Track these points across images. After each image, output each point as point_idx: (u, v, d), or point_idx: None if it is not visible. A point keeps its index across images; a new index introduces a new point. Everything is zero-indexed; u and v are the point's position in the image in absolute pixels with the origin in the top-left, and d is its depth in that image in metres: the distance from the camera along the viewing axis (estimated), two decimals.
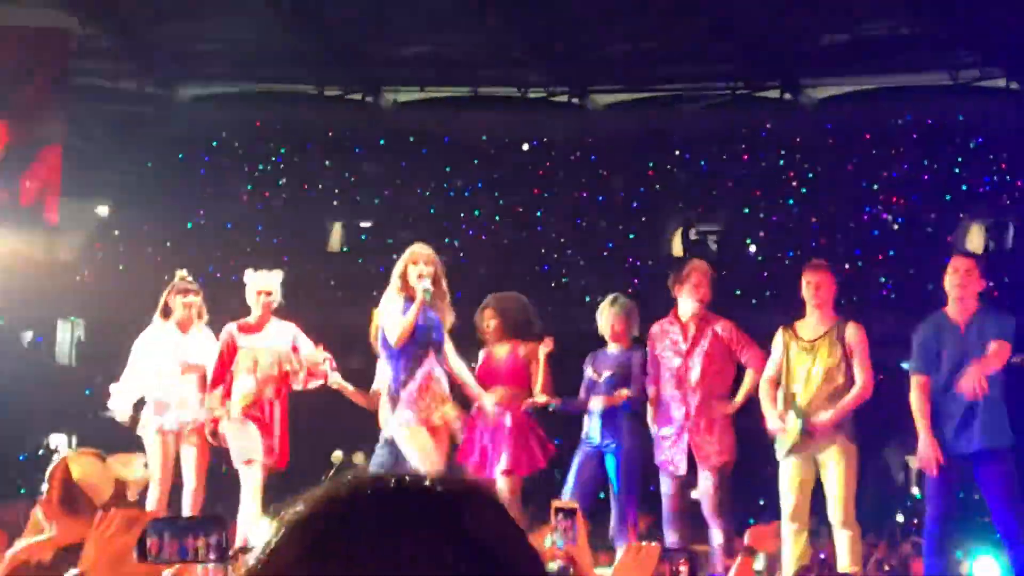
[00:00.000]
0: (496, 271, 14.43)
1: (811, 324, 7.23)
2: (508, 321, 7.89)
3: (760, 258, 15.75)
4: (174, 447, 8.03)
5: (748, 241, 15.86)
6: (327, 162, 16.19)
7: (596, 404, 7.76)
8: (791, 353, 7.23)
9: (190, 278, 8.36)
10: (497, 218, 16.03)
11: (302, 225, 15.92)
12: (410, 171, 16.14)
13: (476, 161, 16.14)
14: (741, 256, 15.75)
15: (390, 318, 7.21)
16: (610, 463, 7.75)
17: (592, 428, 7.79)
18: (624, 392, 7.54)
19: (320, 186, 16.22)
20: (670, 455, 7.58)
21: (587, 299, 10.73)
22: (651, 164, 16.31)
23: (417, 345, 7.27)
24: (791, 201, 16.06)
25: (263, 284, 7.88)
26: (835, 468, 7.08)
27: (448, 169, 16.06)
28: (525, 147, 16.00)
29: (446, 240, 14.18)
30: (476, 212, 16.00)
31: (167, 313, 8.21)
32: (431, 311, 7.19)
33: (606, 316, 7.84)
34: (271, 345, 7.98)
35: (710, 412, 7.49)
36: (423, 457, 7.02)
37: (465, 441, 7.64)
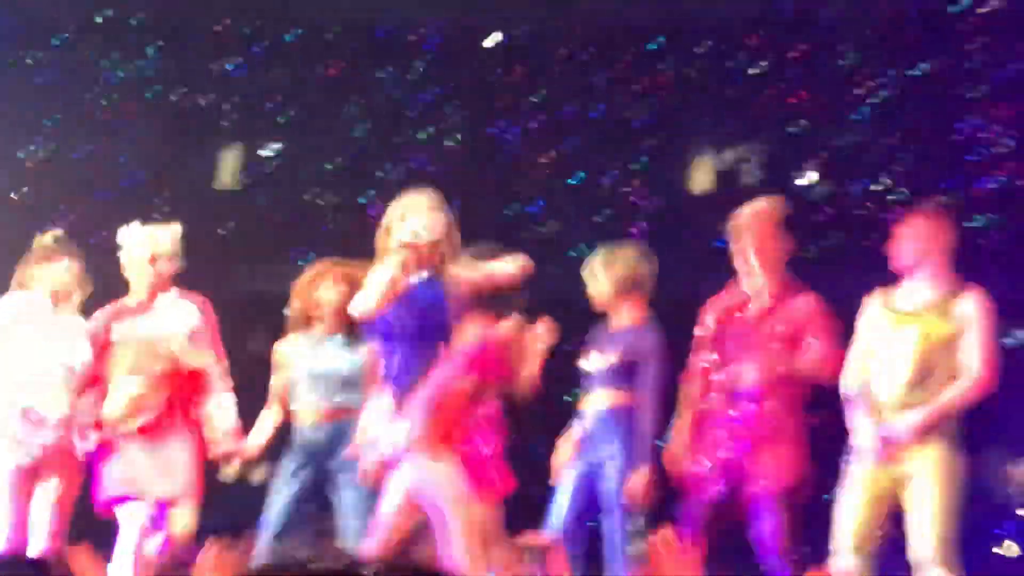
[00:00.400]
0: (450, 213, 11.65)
1: (912, 290, 6.54)
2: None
3: (819, 194, 12.81)
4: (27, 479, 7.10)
5: (801, 170, 12.89)
6: (215, 65, 12.88)
7: (590, 403, 7.16)
8: (880, 328, 6.53)
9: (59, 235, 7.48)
10: (450, 140, 13.00)
11: (180, 153, 12.73)
12: (331, 78, 13.03)
13: (422, 63, 12.98)
14: (791, 192, 12.21)
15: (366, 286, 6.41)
16: (608, 486, 7.06)
17: (587, 435, 7.16)
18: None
19: (204, 101, 12.90)
20: (708, 472, 6.82)
21: (571, 253, 9.28)
22: (663, 64, 13.04)
23: (431, 328, 6.41)
24: (862, 113, 12.82)
25: (150, 245, 7.22)
26: (924, 485, 6.34)
27: (383, 75, 12.92)
28: (488, 42, 12.96)
29: (379, 173, 12.06)
30: (420, 135, 12.85)
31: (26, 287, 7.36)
32: (441, 284, 6.37)
33: (602, 276, 7.15)
34: (163, 332, 7.23)
35: (774, 418, 6.75)
36: (449, 492, 6.10)
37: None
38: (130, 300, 7.29)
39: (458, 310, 6.50)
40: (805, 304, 6.85)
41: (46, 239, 7.67)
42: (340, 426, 7.33)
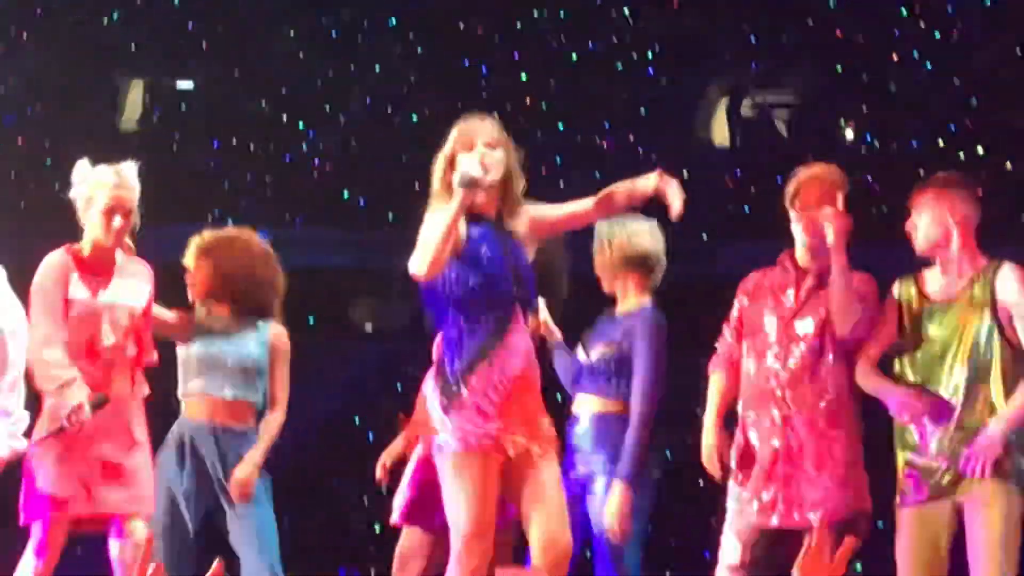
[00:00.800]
0: (419, 175, 10.54)
1: (940, 278, 6.10)
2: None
3: (862, 150, 12.09)
4: None
5: (842, 123, 12.18)
6: None
7: (580, 405, 6.55)
8: (909, 319, 6.11)
9: None
10: (414, 78, 12.11)
11: (76, 84, 11.72)
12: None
13: None
14: (830, 146, 11.91)
15: (422, 236, 5.60)
16: (594, 506, 6.42)
17: (577, 444, 6.51)
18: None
19: (106, 20, 11.77)
20: (750, 494, 6.19)
21: None
22: None
23: (491, 296, 5.59)
24: (915, 56, 11.91)
25: (114, 188, 6.19)
26: (984, 521, 5.92)
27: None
28: None
29: (331, 118, 11.39)
30: (377, 68, 11.98)
31: None
32: (510, 232, 5.62)
33: (606, 256, 6.63)
34: (126, 301, 6.28)
35: (828, 431, 6.15)
36: (467, 509, 5.44)
37: (413, 475, 6.41)
38: (86, 251, 6.44)
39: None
40: (860, 285, 6.44)
41: None
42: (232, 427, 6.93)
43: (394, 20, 11.85)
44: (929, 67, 11.83)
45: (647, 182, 5.82)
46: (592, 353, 6.76)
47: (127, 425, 6.43)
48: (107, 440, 6.39)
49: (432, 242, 5.63)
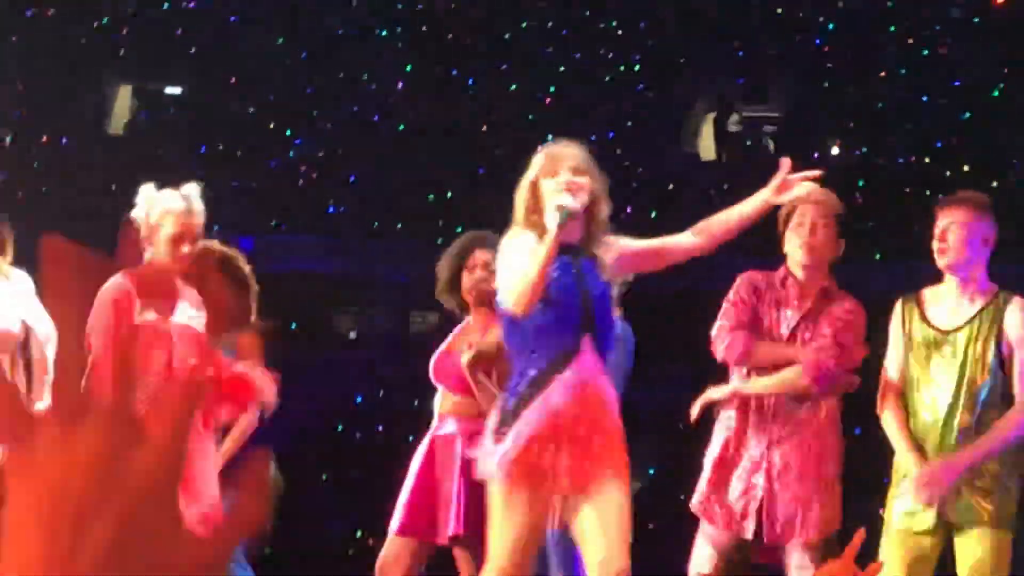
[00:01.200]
0: (404, 183, 11.40)
1: (947, 301, 6.00)
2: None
3: (853, 170, 11.52)
4: None
5: (829, 141, 11.89)
6: None
7: None
8: (912, 347, 6.02)
9: None
10: (401, 87, 11.98)
11: (63, 89, 11.45)
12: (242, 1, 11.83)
13: None
14: (821, 162, 11.34)
15: (510, 266, 5.41)
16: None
17: None
18: None
19: (94, 26, 11.56)
20: (737, 507, 6.19)
21: None
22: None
23: (558, 324, 5.44)
24: (901, 72, 11.58)
25: (183, 215, 5.96)
26: (975, 555, 5.89)
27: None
28: None
29: (322, 121, 11.27)
30: (364, 76, 11.80)
31: None
32: (587, 259, 5.45)
33: None
34: (192, 322, 6.16)
35: (813, 447, 6.19)
36: (506, 543, 5.36)
37: (413, 484, 6.38)
38: (149, 276, 6.38)
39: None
40: (843, 309, 6.35)
41: None
42: None
43: (382, 30, 11.79)
44: (915, 83, 11.70)
45: (762, 195, 5.69)
46: None
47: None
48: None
49: (528, 277, 5.46)
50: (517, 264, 5.49)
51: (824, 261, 6.27)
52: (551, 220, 5.42)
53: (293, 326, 10.28)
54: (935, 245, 6.04)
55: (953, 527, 6.07)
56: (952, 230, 6.03)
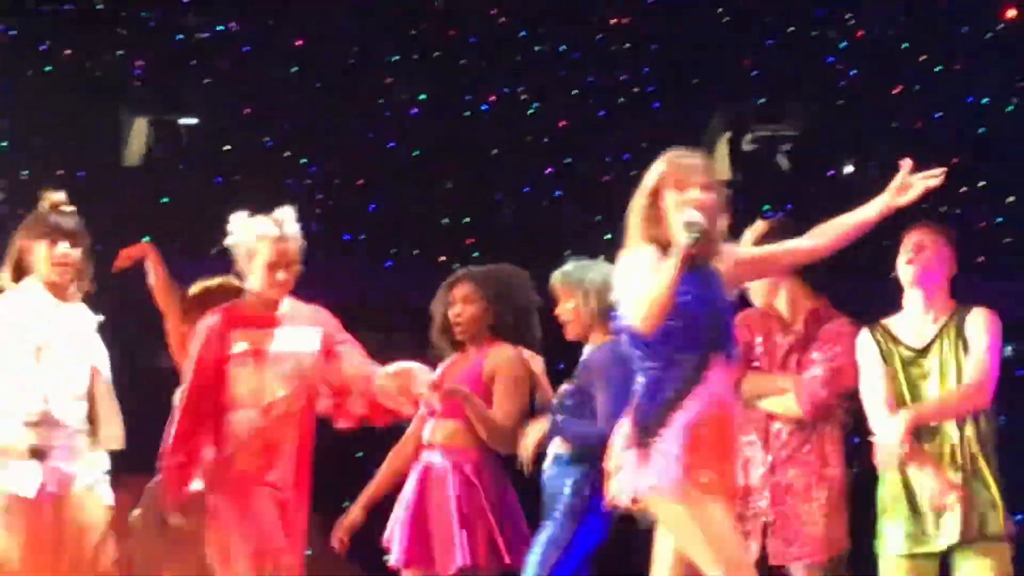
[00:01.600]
0: (421, 209, 11.52)
1: (913, 322, 6.12)
2: (492, 310, 6.73)
3: (869, 188, 11.24)
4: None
5: (841, 158, 11.84)
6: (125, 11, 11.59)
7: (552, 448, 6.48)
8: (892, 367, 6.11)
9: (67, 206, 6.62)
10: (416, 113, 12.00)
11: (79, 121, 11.44)
12: (256, 30, 11.82)
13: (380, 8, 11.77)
14: (833, 179, 11.79)
15: (633, 283, 5.24)
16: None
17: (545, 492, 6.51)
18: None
19: (109, 57, 11.57)
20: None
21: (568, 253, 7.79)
22: (675, 20, 11.85)
23: (687, 340, 5.28)
24: (916, 89, 11.58)
25: (277, 241, 6.17)
26: (976, 571, 5.95)
27: (315, 19, 11.73)
28: None
29: (333, 153, 11.30)
30: (379, 102, 11.82)
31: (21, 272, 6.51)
32: (710, 273, 5.28)
33: (589, 305, 6.54)
34: (293, 350, 6.16)
35: (818, 472, 6.27)
36: (713, 550, 5.16)
37: (408, 517, 6.54)
38: (246, 304, 6.35)
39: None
40: (836, 331, 6.42)
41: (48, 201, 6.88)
42: None
43: (396, 56, 11.79)
44: (930, 100, 11.68)
45: (883, 198, 5.45)
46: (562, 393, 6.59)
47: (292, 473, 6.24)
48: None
49: (655, 295, 5.25)
50: (641, 281, 5.26)
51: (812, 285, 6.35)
52: (681, 236, 5.20)
53: None
54: (907, 257, 6.08)
55: (953, 545, 6.03)
56: (927, 244, 6.08)
